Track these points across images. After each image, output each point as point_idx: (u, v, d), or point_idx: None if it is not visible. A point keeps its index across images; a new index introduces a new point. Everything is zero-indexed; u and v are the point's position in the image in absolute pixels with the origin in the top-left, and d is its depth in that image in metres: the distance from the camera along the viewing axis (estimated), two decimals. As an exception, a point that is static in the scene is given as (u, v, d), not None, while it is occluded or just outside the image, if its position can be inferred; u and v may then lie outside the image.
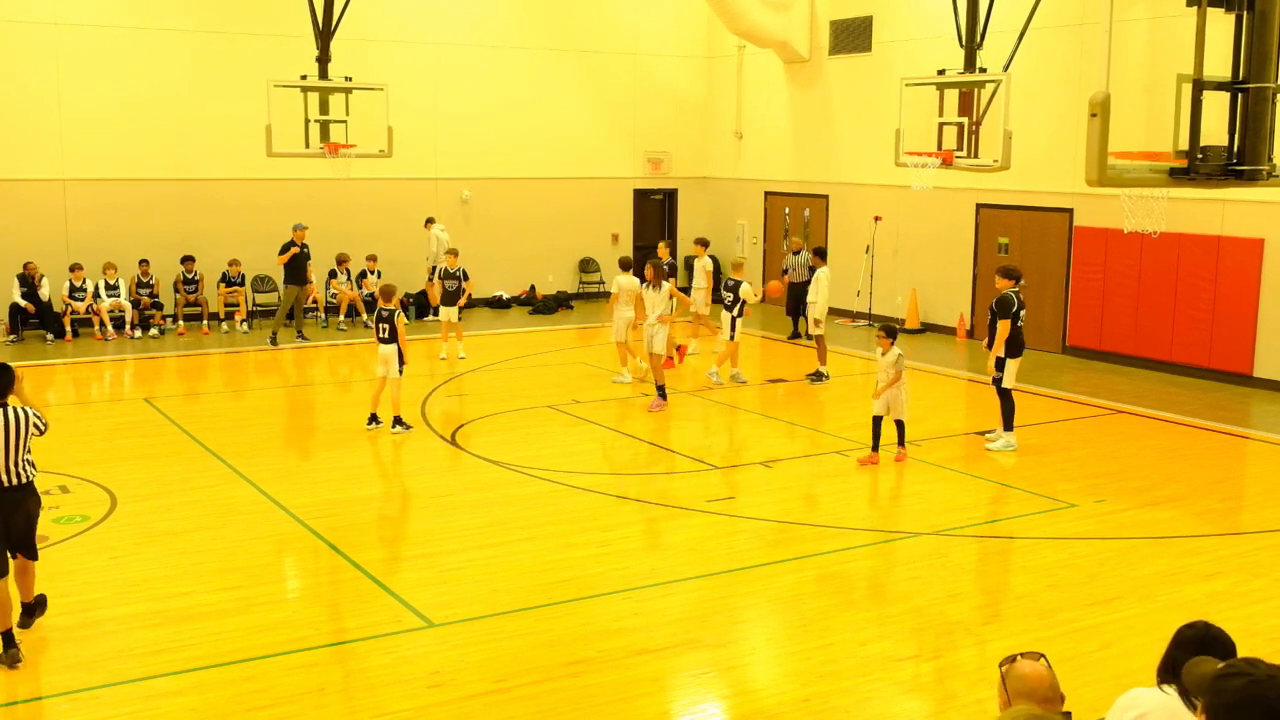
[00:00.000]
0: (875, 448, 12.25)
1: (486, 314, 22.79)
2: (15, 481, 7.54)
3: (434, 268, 22.01)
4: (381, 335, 13.47)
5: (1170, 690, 4.10)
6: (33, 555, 7.80)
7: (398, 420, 13.41)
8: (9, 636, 7.44)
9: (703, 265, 18.61)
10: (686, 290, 18.81)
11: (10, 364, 7.87)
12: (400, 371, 13.46)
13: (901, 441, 12.40)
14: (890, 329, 12.36)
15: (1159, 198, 10.95)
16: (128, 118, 20.07)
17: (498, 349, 18.88)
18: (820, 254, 17.42)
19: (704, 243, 19.06)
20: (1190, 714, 4.01)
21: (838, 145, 22.49)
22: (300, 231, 19.47)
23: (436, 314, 22.00)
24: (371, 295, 20.98)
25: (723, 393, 15.74)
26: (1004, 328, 12.63)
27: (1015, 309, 12.66)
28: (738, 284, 16.17)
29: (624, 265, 16.60)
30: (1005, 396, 12.89)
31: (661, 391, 14.72)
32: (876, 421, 12.25)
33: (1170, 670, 4.16)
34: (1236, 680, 2.84)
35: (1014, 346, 12.77)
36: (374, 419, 13.53)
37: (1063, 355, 18.41)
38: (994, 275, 13.35)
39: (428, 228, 22.00)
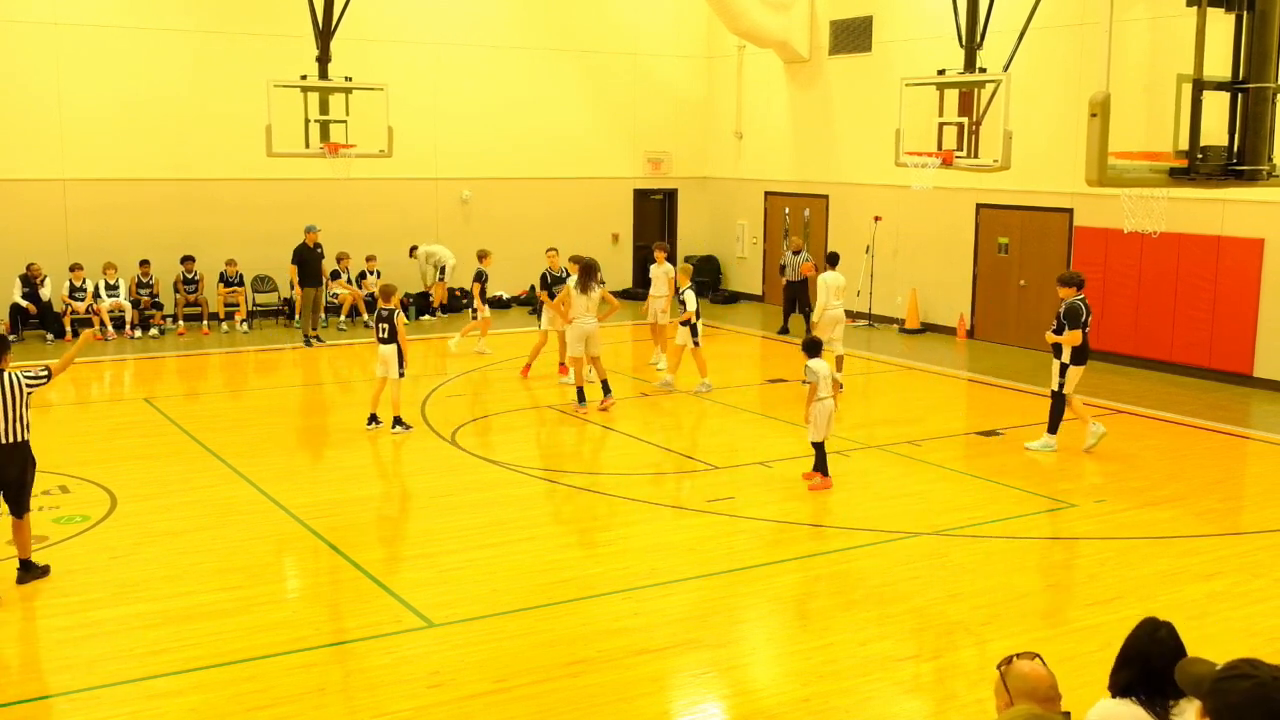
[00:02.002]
0: (824, 471, 11.44)
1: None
2: (12, 439, 8.55)
3: (441, 268, 22.06)
4: (381, 335, 13.47)
5: (1132, 702, 4.08)
6: (21, 511, 8.73)
7: (397, 420, 13.41)
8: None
9: (664, 272, 17.29)
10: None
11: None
12: (401, 373, 13.45)
13: (816, 466, 11.47)
14: (808, 344, 11.54)
15: (1159, 198, 10.95)
16: (128, 118, 20.07)
17: (498, 349, 18.85)
18: (829, 260, 16.42)
19: (664, 248, 18.01)
20: None
21: (838, 145, 22.49)
22: (312, 234, 19.47)
23: (433, 314, 22.09)
24: (371, 295, 21.01)
25: (723, 393, 15.72)
26: (1073, 337, 12.36)
27: (1085, 318, 12.40)
28: (689, 290, 15.79)
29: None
30: (1057, 399, 12.71)
31: (581, 396, 14.62)
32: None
33: (1159, 677, 4.09)
34: (1242, 683, 2.83)
35: (1079, 355, 12.53)
36: (374, 419, 13.54)
37: (1063, 355, 18.41)
38: (1055, 284, 13.02)
39: (413, 256, 22.02)
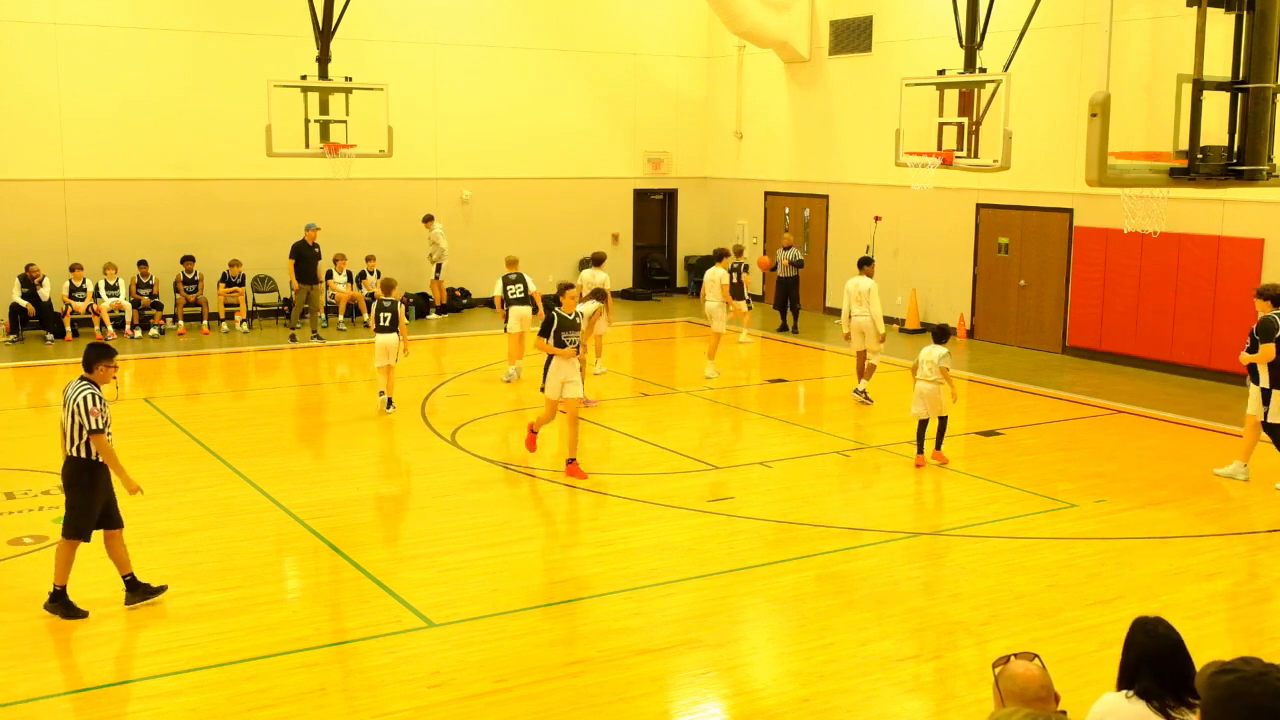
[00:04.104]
0: (919, 449, 12.15)
1: (486, 314, 22.77)
2: (71, 452, 8.09)
3: (438, 265, 22.11)
4: (382, 324, 14.26)
5: (1130, 697, 4.10)
6: (64, 532, 8.25)
7: (388, 401, 14.35)
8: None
9: (716, 278, 17.11)
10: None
11: (108, 347, 8.39)
12: (399, 358, 14.38)
13: (940, 443, 12.22)
14: (935, 331, 12.42)
15: (1159, 198, 10.93)
16: (128, 118, 20.07)
17: (498, 349, 18.84)
18: (859, 264, 15.46)
19: (720, 255, 17.77)
20: None
21: (838, 145, 22.49)
22: (312, 232, 19.53)
23: (438, 313, 22.12)
24: (371, 295, 21.03)
25: (723, 393, 15.71)
26: (1267, 352, 11.24)
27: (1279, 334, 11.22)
28: (520, 276, 16.17)
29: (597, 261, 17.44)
30: (1273, 432, 11.39)
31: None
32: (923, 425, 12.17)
33: (1170, 675, 4.11)
34: (1226, 677, 2.89)
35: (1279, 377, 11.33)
36: (390, 403, 14.33)
37: (1063, 355, 18.42)
38: (1253, 297, 11.94)
39: (428, 225, 22.06)
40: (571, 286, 12.74)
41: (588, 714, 6.83)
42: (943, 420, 12.10)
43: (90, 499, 8.17)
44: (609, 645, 7.74)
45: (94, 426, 7.97)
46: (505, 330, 16.17)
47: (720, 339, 17.02)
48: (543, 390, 12.33)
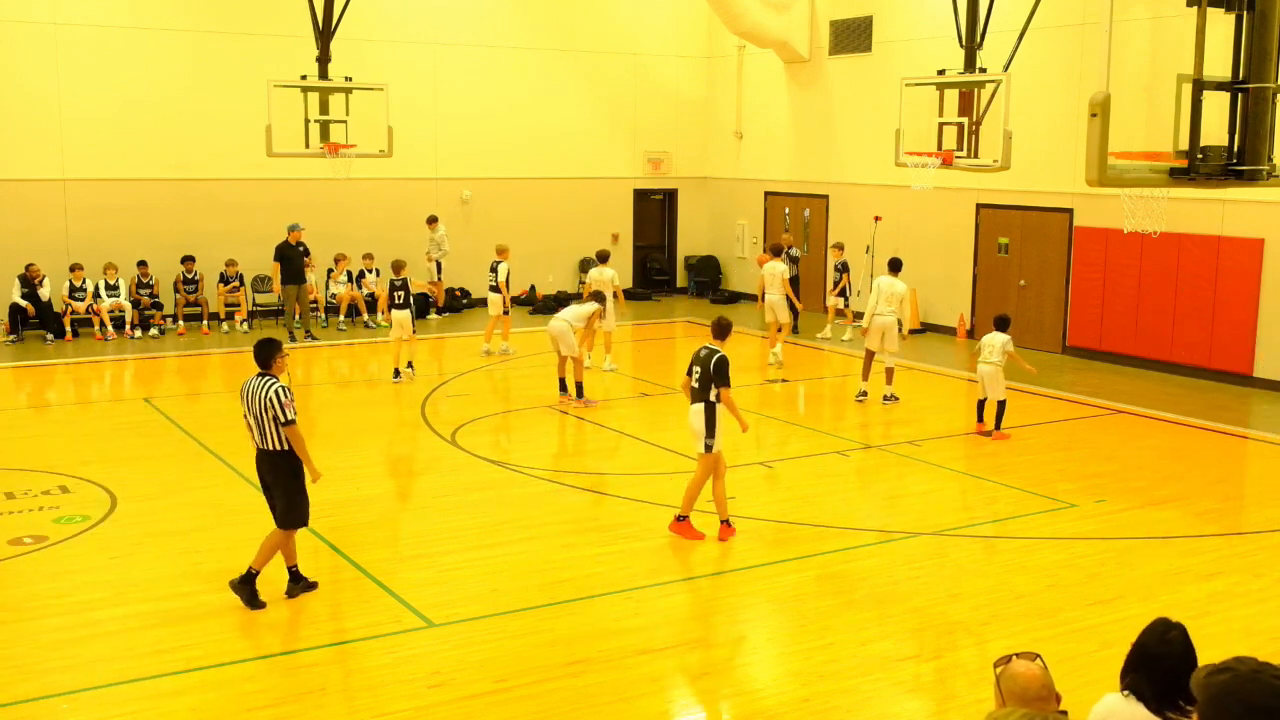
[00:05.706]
0: (994, 423, 13.40)
1: (487, 313, 22.79)
2: (268, 446, 8.19)
3: (438, 263, 22.11)
4: (396, 301, 15.84)
5: (1132, 699, 4.10)
6: (280, 524, 8.34)
7: (409, 365, 16.03)
8: (293, 571, 8.52)
9: (778, 272, 17.43)
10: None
11: (271, 340, 8.55)
12: (414, 330, 15.89)
13: (998, 423, 13.38)
14: (996, 320, 13.80)
15: (1159, 198, 10.93)
16: (128, 118, 20.07)
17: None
18: (889, 265, 15.42)
19: (775, 249, 18.08)
20: None
21: (838, 145, 22.49)
22: (296, 232, 19.54)
23: (438, 314, 22.12)
24: (371, 295, 21.08)
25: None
26: None
27: None
28: (494, 267, 17.80)
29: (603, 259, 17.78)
30: None
31: (579, 390, 14.99)
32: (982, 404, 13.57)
33: (1167, 681, 4.11)
34: (1221, 676, 2.91)
35: None
36: (398, 373, 15.90)
37: (1063, 355, 18.41)
38: None
39: (431, 226, 22.04)
40: (729, 327, 10.67)
41: (588, 714, 6.83)
42: (1001, 403, 13.31)
43: (299, 484, 8.32)
44: (609, 645, 7.74)
45: (288, 418, 8.08)
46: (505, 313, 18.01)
47: (783, 329, 17.54)
48: (711, 450, 9.94)
